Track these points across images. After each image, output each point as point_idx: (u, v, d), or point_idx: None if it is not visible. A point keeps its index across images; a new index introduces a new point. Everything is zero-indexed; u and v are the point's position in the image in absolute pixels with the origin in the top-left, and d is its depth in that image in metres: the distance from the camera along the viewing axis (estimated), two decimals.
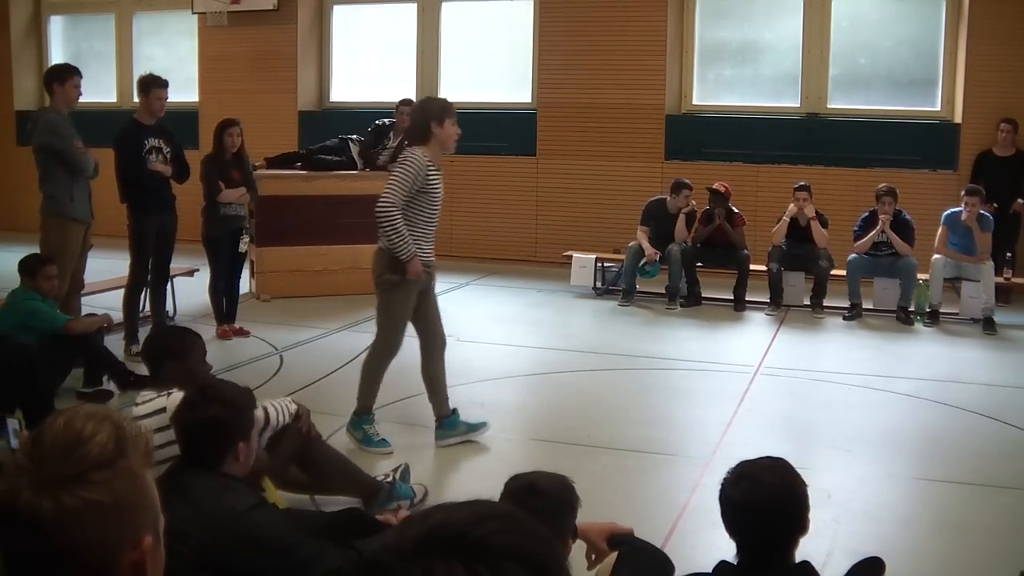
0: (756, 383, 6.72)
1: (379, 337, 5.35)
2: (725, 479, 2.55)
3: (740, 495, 2.46)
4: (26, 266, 6.12)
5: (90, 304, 7.45)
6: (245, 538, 2.74)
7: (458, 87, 12.10)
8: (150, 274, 7.35)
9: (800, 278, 9.19)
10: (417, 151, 5.07)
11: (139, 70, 8.84)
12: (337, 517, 3.54)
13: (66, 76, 6.83)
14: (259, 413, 3.84)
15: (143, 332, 7.22)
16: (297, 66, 12.34)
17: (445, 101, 5.34)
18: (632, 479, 5.01)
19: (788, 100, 10.94)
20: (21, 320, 5.85)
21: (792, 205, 9.12)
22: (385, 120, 9.83)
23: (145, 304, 7.49)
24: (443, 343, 5.47)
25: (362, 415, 5.33)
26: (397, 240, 5.01)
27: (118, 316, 7.27)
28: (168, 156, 7.21)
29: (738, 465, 2.57)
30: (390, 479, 4.44)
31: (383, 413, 5.71)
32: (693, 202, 9.45)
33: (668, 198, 9.52)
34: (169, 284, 7.80)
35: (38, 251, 6.51)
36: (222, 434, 2.94)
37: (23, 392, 5.12)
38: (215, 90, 12.58)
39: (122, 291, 7.37)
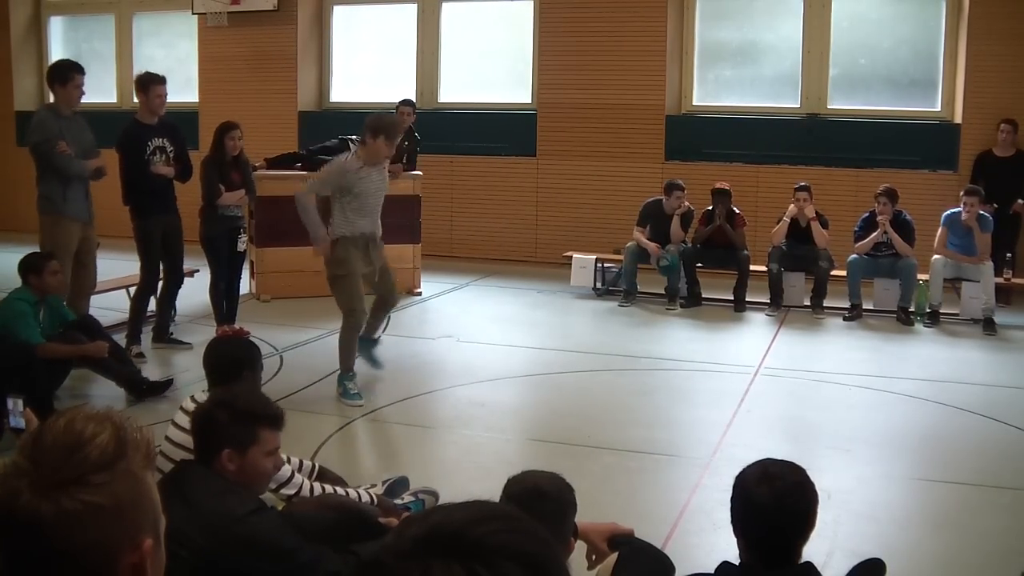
0: (756, 384, 6.72)
1: None
2: (744, 478, 2.52)
3: (768, 493, 2.45)
4: (30, 264, 5.95)
5: (93, 304, 7.42)
6: (243, 542, 2.73)
7: (458, 87, 12.12)
8: (165, 277, 7.33)
9: (800, 279, 9.19)
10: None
11: (139, 71, 8.79)
12: (338, 521, 3.52)
13: (68, 76, 6.79)
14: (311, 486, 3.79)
15: (144, 335, 7.26)
16: (297, 66, 12.34)
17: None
18: (633, 479, 5.00)
19: (788, 100, 10.94)
20: (6, 320, 5.69)
21: (792, 206, 9.12)
22: None
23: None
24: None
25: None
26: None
27: (117, 316, 7.26)
28: (172, 155, 7.19)
29: (757, 464, 2.55)
30: (379, 490, 4.36)
31: (383, 413, 5.71)
32: (686, 203, 9.44)
33: (663, 199, 9.51)
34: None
35: (38, 250, 6.41)
36: (213, 434, 2.92)
37: (23, 392, 5.10)
38: (215, 91, 12.59)
39: (122, 291, 7.34)
